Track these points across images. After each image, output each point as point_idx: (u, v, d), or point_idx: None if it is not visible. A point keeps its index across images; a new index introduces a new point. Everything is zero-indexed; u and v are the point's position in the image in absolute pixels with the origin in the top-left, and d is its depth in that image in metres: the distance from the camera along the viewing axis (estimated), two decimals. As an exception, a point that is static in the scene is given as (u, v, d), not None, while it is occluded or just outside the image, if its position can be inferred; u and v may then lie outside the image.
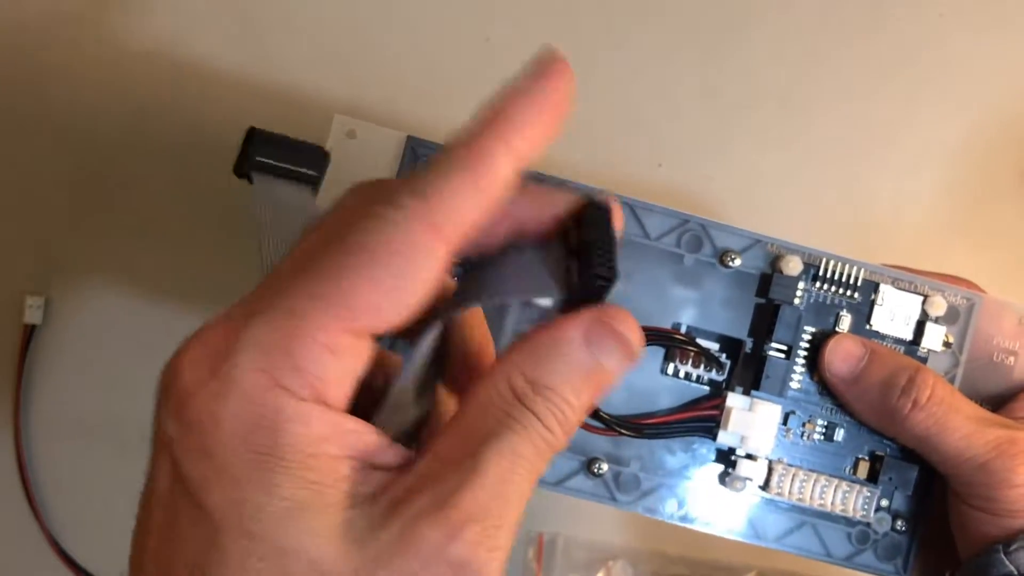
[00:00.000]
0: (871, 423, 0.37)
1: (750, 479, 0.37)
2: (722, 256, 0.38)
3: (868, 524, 0.38)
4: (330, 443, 0.22)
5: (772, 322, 0.37)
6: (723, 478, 0.38)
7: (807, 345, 0.38)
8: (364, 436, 0.23)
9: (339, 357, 0.22)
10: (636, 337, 0.25)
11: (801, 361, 0.38)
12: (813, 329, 0.38)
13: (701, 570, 0.51)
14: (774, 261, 0.38)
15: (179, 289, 0.51)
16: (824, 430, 0.38)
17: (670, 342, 0.37)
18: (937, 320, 0.38)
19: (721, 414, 0.37)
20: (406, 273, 0.22)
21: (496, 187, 0.23)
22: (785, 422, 0.38)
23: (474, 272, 0.26)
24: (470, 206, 0.23)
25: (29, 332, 0.50)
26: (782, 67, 0.51)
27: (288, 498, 0.22)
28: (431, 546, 0.22)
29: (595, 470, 0.38)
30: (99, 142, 0.50)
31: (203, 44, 0.50)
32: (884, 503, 0.38)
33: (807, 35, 0.51)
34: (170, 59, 0.50)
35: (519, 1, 0.51)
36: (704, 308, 0.38)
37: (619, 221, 0.25)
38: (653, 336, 0.36)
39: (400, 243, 0.22)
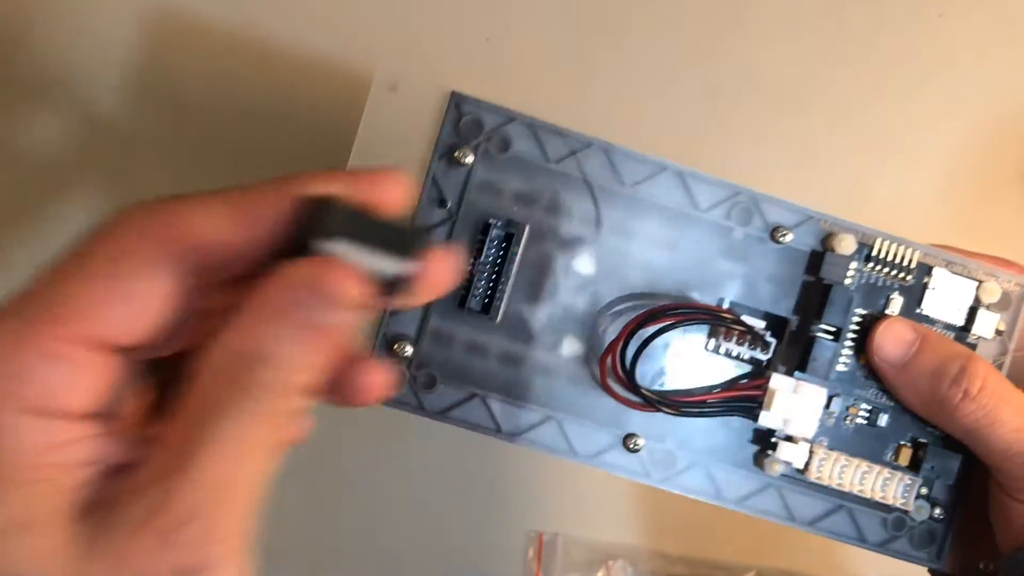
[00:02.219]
0: (918, 411, 0.36)
1: (790, 463, 0.36)
2: (773, 231, 0.36)
3: (906, 512, 0.37)
4: (55, 454, 0.22)
5: (822, 302, 0.36)
6: (759, 458, 0.37)
7: (856, 327, 0.36)
8: (102, 442, 0.22)
9: (71, 366, 0.22)
10: (346, 286, 0.22)
11: (849, 343, 0.36)
12: (863, 311, 0.36)
13: (701, 570, 0.51)
14: (826, 239, 0.37)
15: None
16: (868, 414, 0.37)
17: (717, 320, 0.35)
18: (990, 307, 0.37)
19: (763, 395, 0.36)
20: (132, 281, 0.22)
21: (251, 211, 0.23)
22: (828, 405, 0.36)
23: None
24: (205, 219, 0.22)
25: None
26: (782, 67, 0.51)
27: (5, 517, 0.21)
28: (148, 557, 0.21)
29: (631, 446, 0.37)
30: (99, 140, 0.49)
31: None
32: (924, 491, 0.37)
33: (807, 35, 0.51)
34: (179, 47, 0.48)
35: (519, 1, 0.50)
36: (750, 284, 0.37)
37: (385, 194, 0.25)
38: (699, 314, 0.35)
39: (122, 250, 0.22)
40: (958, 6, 0.51)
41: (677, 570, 0.52)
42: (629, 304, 0.37)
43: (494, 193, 0.36)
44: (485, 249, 0.36)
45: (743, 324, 0.36)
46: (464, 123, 0.35)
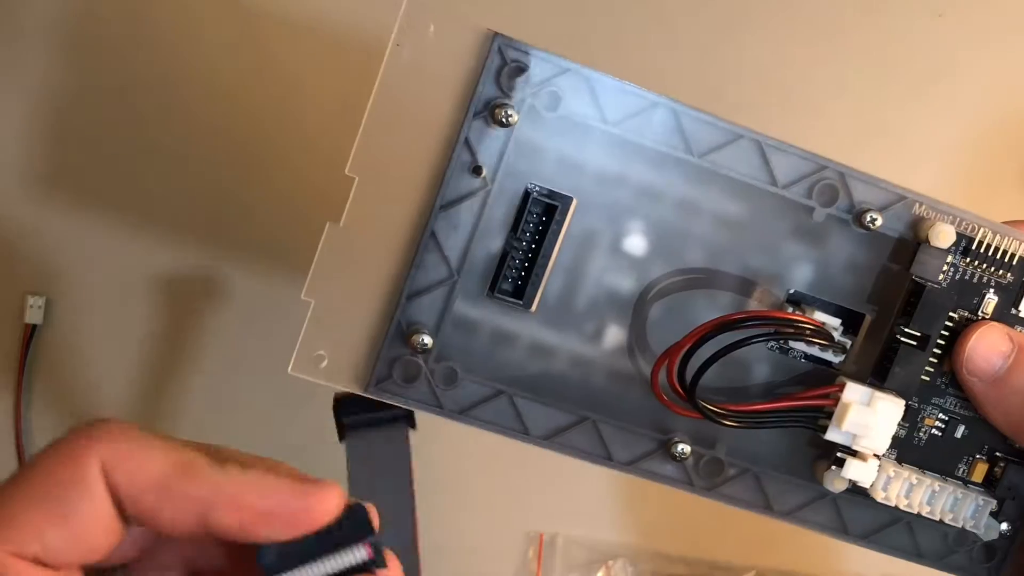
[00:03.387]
0: (1004, 430, 0.32)
1: (856, 481, 0.32)
2: (860, 215, 0.31)
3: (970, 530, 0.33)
4: None
5: (909, 302, 0.31)
6: (818, 470, 0.32)
7: (945, 333, 0.32)
8: None
9: None
10: None
11: (935, 350, 0.32)
12: (953, 313, 0.32)
13: (701, 570, 0.50)
14: (918, 225, 0.31)
15: (180, 289, 0.50)
16: (943, 425, 0.33)
17: (796, 333, 0.30)
18: (1095, 312, 0.32)
19: (832, 404, 0.31)
20: (72, 508, 0.23)
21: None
22: (903, 416, 0.32)
23: None
24: (146, 473, 0.23)
25: (30, 332, 0.50)
26: (782, 67, 0.50)
27: None
28: None
29: (676, 454, 0.32)
30: (100, 141, 0.49)
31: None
32: (993, 509, 0.33)
33: (807, 35, 0.50)
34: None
35: (518, 2, 0.49)
36: (823, 271, 0.32)
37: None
38: (776, 324, 0.30)
39: (68, 477, 0.23)
40: (958, 6, 0.50)
41: (677, 570, 0.51)
42: (683, 280, 0.31)
43: (538, 157, 0.30)
44: (523, 222, 0.30)
45: (828, 337, 0.30)
46: (506, 72, 0.29)
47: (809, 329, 0.30)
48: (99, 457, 0.23)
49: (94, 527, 0.24)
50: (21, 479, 0.24)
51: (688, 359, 0.29)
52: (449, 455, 0.50)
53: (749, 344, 0.30)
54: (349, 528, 0.24)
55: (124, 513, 0.24)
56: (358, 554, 0.24)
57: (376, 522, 0.25)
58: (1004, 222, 0.34)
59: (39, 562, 0.23)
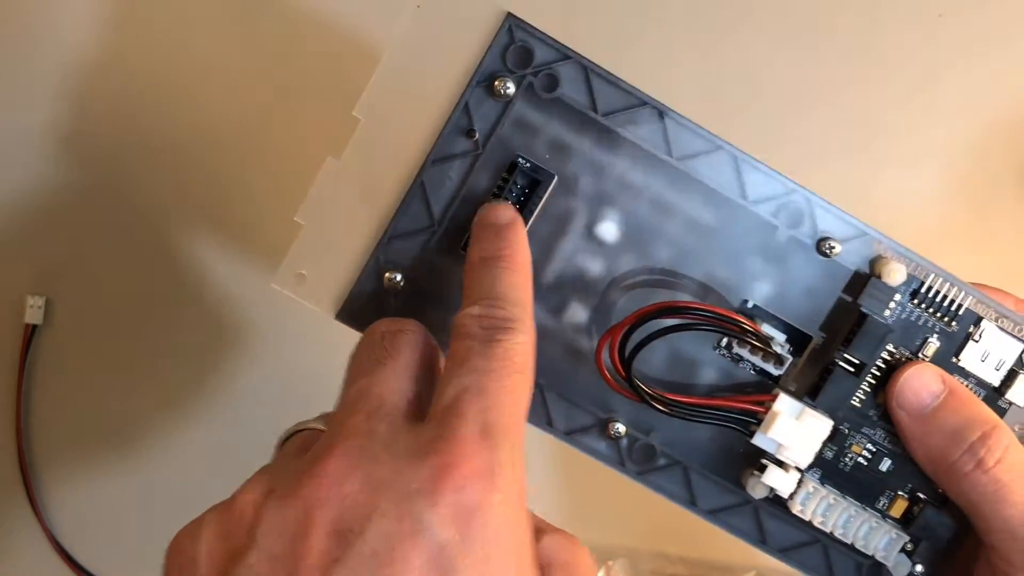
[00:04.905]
0: (924, 467, 0.33)
1: (775, 489, 0.33)
2: (820, 241, 0.33)
3: (883, 564, 0.34)
4: None
5: (852, 330, 0.33)
6: (743, 474, 0.34)
7: (882, 364, 0.33)
8: None
9: None
10: None
11: (870, 380, 0.33)
12: (893, 349, 0.33)
13: (700, 570, 0.50)
14: (875, 262, 0.33)
15: (180, 290, 0.50)
16: (870, 456, 0.34)
17: (739, 334, 0.32)
18: (1032, 374, 0.34)
19: (765, 412, 0.33)
20: None
21: None
22: (832, 437, 0.34)
23: None
24: None
25: (30, 332, 0.50)
26: (781, 67, 0.50)
27: None
28: None
29: (611, 432, 0.34)
30: (99, 141, 0.49)
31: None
32: (908, 547, 0.34)
33: (806, 35, 0.50)
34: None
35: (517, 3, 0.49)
36: (781, 290, 0.34)
37: None
38: (722, 322, 0.32)
39: None
40: (958, 6, 0.50)
41: (677, 570, 0.51)
42: (647, 278, 0.34)
43: (529, 133, 0.32)
44: (505, 190, 0.33)
45: (765, 343, 0.33)
46: (512, 51, 0.32)
47: (749, 331, 0.32)
48: None
49: None
50: None
51: (628, 339, 0.32)
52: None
53: (689, 330, 0.32)
54: None
55: None
56: None
57: None
58: (971, 283, 0.35)
59: None
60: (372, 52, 0.48)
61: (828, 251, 0.33)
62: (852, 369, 0.33)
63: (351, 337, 0.31)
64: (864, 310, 0.33)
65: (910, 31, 0.51)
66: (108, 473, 0.51)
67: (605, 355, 0.32)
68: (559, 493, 0.51)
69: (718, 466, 0.35)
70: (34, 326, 0.50)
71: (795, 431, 0.32)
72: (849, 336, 0.33)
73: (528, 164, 0.32)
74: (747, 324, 0.32)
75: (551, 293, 0.34)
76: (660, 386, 0.34)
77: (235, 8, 0.48)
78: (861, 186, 0.51)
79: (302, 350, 0.51)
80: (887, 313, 0.33)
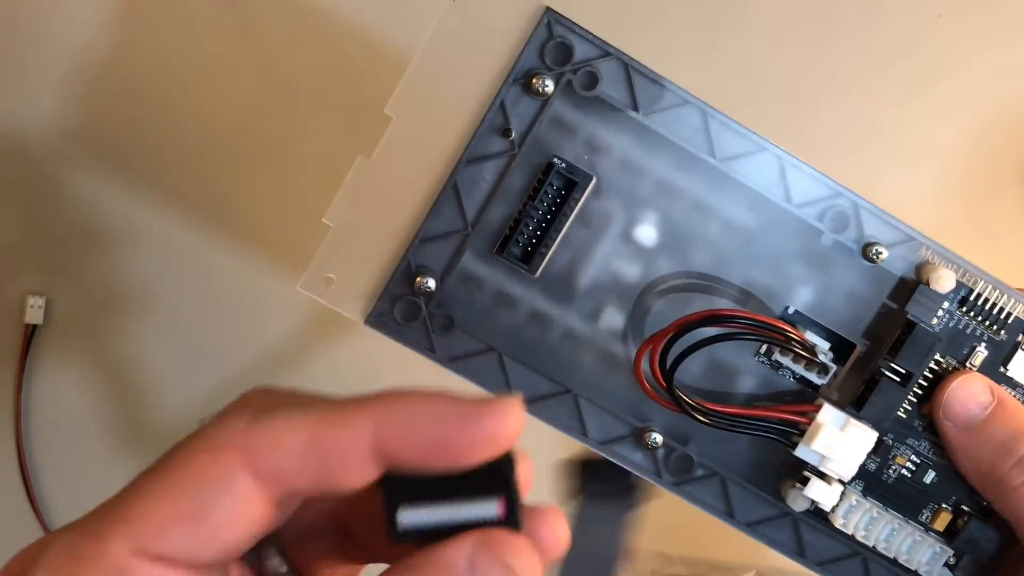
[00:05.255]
0: (971, 480, 0.32)
1: (817, 502, 0.32)
2: (866, 246, 0.32)
3: (925, 577, 0.33)
4: None
5: (899, 339, 0.32)
6: (784, 486, 0.33)
7: (929, 375, 0.32)
8: None
9: None
10: (529, 568, 0.21)
11: (916, 390, 0.32)
12: (940, 358, 0.32)
13: (700, 570, 0.50)
14: (921, 268, 0.32)
15: (180, 290, 0.50)
16: (914, 467, 0.33)
17: (784, 343, 0.31)
18: (1082, 385, 0.33)
19: (808, 423, 0.32)
20: (202, 501, 0.21)
21: (340, 451, 0.22)
22: (875, 448, 0.33)
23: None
24: (286, 446, 0.22)
25: (30, 332, 0.50)
26: (782, 67, 0.50)
27: None
28: None
29: (647, 442, 0.33)
30: (98, 141, 0.49)
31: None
32: (951, 561, 0.33)
33: (806, 35, 0.50)
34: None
35: None
36: (823, 295, 0.32)
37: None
38: (767, 330, 0.31)
39: (199, 469, 0.22)
40: (958, 6, 0.50)
41: (677, 570, 0.50)
42: (685, 283, 0.33)
43: (566, 132, 0.31)
44: (541, 192, 0.31)
45: (811, 351, 0.31)
46: (551, 47, 0.30)
47: (794, 340, 0.31)
48: (239, 446, 0.22)
49: (234, 523, 0.22)
50: (154, 471, 0.22)
51: (670, 348, 0.31)
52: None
53: (733, 340, 0.31)
54: (489, 476, 0.22)
55: (279, 492, 0.22)
56: (489, 509, 0.22)
57: (520, 477, 0.22)
58: (1019, 289, 0.34)
59: (173, 563, 0.22)
60: (388, 52, 0.47)
61: (875, 257, 0.32)
62: (899, 379, 0.32)
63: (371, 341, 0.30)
64: (912, 318, 0.32)
65: (910, 31, 0.50)
66: (108, 472, 0.51)
67: (644, 364, 0.31)
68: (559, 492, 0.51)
69: (757, 477, 0.34)
70: (34, 326, 0.50)
71: (839, 443, 0.31)
72: (896, 345, 0.32)
73: (564, 165, 0.31)
74: (793, 333, 0.31)
75: (586, 298, 0.32)
76: (698, 394, 0.33)
77: (248, 11, 0.48)
78: (861, 186, 0.50)
79: (304, 351, 0.50)
80: (935, 321, 0.32)
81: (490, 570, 0.21)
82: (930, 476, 0.33)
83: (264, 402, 0.23)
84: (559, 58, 0.30)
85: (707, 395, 0.33)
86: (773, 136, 0.49)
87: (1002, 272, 0.51)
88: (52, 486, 0.51)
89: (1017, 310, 0.32)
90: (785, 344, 0.31)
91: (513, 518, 0.22)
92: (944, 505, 0.33)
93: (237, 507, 0.22)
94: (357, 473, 0.22)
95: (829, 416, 0.31)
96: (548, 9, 0.30)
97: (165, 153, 0.49)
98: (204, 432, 0.22)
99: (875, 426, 0.32)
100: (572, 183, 0.31)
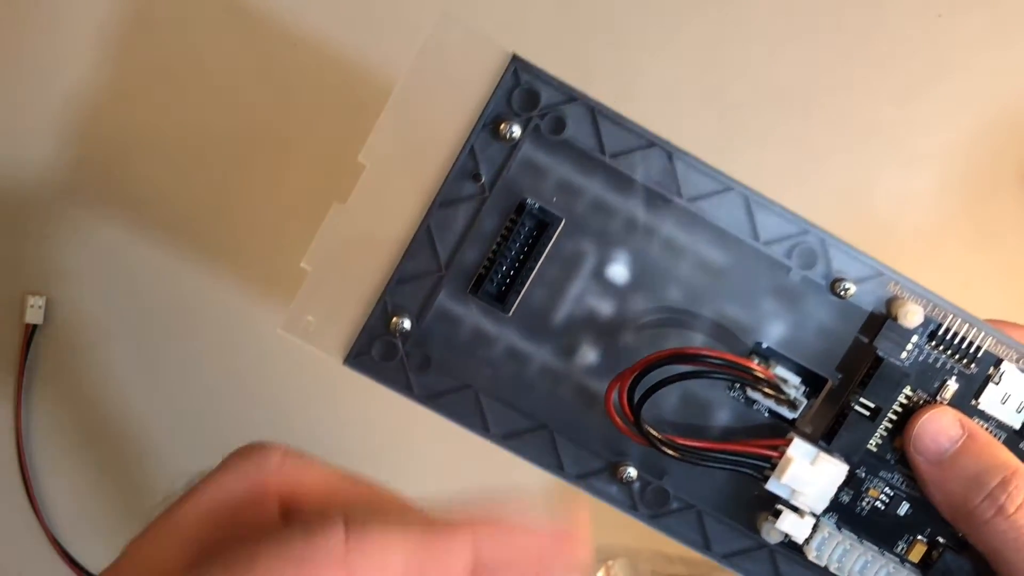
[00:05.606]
0: (944, 513, 0.33)
1: (789, 535, 0.33)
2: (835, 282, 0.32)
3: (902, 609, 0.34)
4: None
5: (869, 374, 0.32)
6: (758, 519, 0.34)
7: (899, 409, 0.33)
8: None
9: None
10: None
11: (887, 424, 0.33)
12: (910, 392, 0.33)
13: (700, 569, 0.49)
14: (891, 303, 0.33)
15: (179, 290, 0.50)
16: (888, 500, 0.33)
17: (752, 382, 0.32)
18: (1055, 417, 0.33)
19: (779, 457, 0.32)
20: None
21: None
22: (848, 481, 0.33)
23: None
24: (400, 568, 0.23)
25: (30, 332, 0.50)
26: (782, 67, 0.50)
27: None
28: None
29: (621, 477, 0.34)
30: (100, 140, 0.49)
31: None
32: (927, 593, 0.34)
33: (807, 35, 0.50)
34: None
35: (519, 2, 0.50)
36: (796, 331, 0.33)
37: None
38: (734, 369, 0.31)
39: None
40: (958, 6, 0.50)
41: (677, 570, 0.50)
42: (658, 319, 0.33)
43: (537, 174, 0.32)
44: (513, 233, 0.32)
45: (777, 389, 0.32)
46: (518, 93, 0.31)
47: (761, 380, 0.31)
48: (342, 564, 0.22)
49: None
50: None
51: (638, 384, 0.31)
52: (448, 455, 0.51)
53: (699, 378, 0.31)
54: None
55: None
56: None
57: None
58: (988, 320, 0.35)
59: None
60: (365, 99, 0.48)
61: (842, 293, 0.32)
62: (868, 413, 0.32)
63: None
64: (880, 353, 0.32)
65: (909, 31, 0.51)
66: (108, 472, 0.51)
67: (615, 399, 0.32)
68: (559, 492, 0.51)
69: (733, 510, 0.34)
70: (34, 326, 0.50)
71: (809, 476, 0.32)
72: (865, 379, 0.32)
73: (535, 207, 0.32)
74: (759, 371, 0.31)
75: (561, 335, 0.33)
76: (673, 428, 0.33)
77: (225, 59, 0.49)
78: (861, 186, 0.51)
79: (297, 358, 0.51)
80: (904, 355, 0.32)
81: None
82: (904, 508, 0.34)
83: (347, 501, 0.24)
84: (526, 104, 0.31)
85: (682, 428, 0.34)
86: (773, 136, 0.51)
87: (1002, 272, 0.52)
88: (52, 486, 0.51)
89: (986, 343, 0.32)
90: (752, 384, 0.31)
91: None
92: (919, 537, 0.34)
93: None
94: None
95: (799, 450, 0.32)
96: (514, 57, 0.31)
97: (170, 155, 0.50)
98: (299, 540, 0.22)
99: (846, 459, 0.32)
100: (543, 224, 0.32)
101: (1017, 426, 0.33)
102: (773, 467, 0.32)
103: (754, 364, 0.32)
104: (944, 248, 0.52)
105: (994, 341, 0.33)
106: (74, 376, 0.51)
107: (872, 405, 0.32)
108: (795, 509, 0.33)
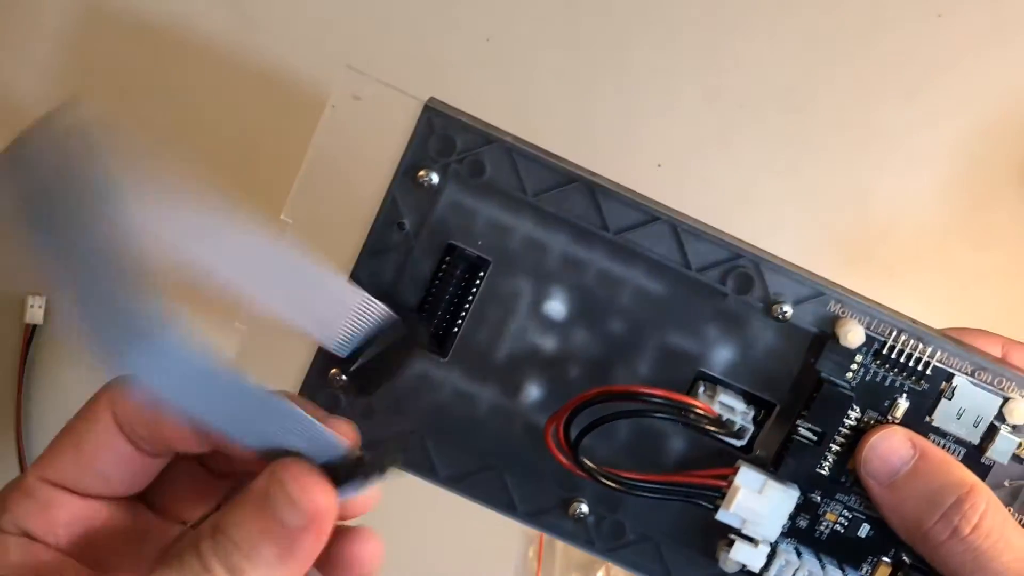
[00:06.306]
0: (900, 535, 0.32)
1: (745, 565, 0.32)
2: (772, 306, 0.32)
3: (872, 632, 0.33)
4: (26, 571, 0.27)
5: (813, 397, 0.31)
6: (716, 548, 0.33)
7: (847, 431, 0.32)
8: (64, 567, 0.28)
9: (39, 502, 0.28)
10: (309, 502, 0.25)
11: (836, 448, 0.32)
12: (858, 414, 0.32)
13: None
14: (834, 321, 0.32)
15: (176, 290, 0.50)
16: (847, 522, 0.33)
17: (687, 421, 0.31)
18: (1015, 429, 0.32)
19: (727, 486, 0.32)
20: (79, 435, 0.29)
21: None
22: (804, 506, 0.32)
23: None
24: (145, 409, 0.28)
25: (30, 331, 0.50)
26: (782, 67, 0.50)
27: None
28: None
29: (573, 512, 0.33)
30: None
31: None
32: (895, 616, 0.33)
33: (807, 35, 0.50)
34: (159, 38, 0.49)
35: (519, 1, 0.49)
36: (744, 355, 0.32)
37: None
38: (667, 407, 0.31)
39: (88, 420, 0.29)
40: (958, 6, 0.50)
41: None
42: (602, 351, 0.33)
43: (465, 216, 0.32)
44: (443, 277, 0.32)
45: (718, 423, 0.31)
46: (434, 140, 0.31)
47: (703, 417, 0.31)
48: (108, 400, 0.29)
49: (103, 451, 0.29)
50: (62, 429, 0.29)
51: (572, 421, 0.31)
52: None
53: (635, 417, 0.31)
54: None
55: (136, 442, 0.29)
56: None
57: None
58: (949, 329, 0.34)
59: (68, 489, 0.28)
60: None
61: (780, 316, 0.32)
62: (814, 438, 0.31)
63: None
64: (823, 375, 0.31)
65: (909, 31, 0.50)
66: None
67: (554, 437, 0.32)
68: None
69: (691, 538, 0.34)
70: (34, 326, 0.50)
71: (759, 505, 0.31)
72: (809, 403, 0.31)
73: (463, 250, 0.32)
74: (697, 407, 0.31)
75: (506, 374, 0.33)
76: (626, 459, 0.33)
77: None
78: (861, 186, 0.51)
79: None
80: (849, 376, 0.32)
81: (279, 496, 0.25)
82: (864, 530, 0.33)
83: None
84: (443, 150, 0.31)
85: (637, 459, 0.33)
86: (774, 136, 0.50)
87: (1002, 273, 0.50)
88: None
89: (937, 357, 0.31)
90: (690, 423, 0.31)
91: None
92: (884, 558, 0.33)
93: (103, 439, 0.29)
94: (186, 442, 0.29)
95: (746, 479, 0.31)
96: (426, 106, 0.31)
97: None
98: (97, 395, 0.29)
99: (796, 485, 0.31)
100: (474, 266, 0.32)
101: (976, 441, 0.32)
102: (723, 496, 0.32)
103: (692, 400, 0.31)
104: (944, 248, 0.51)
105: (945, 354, 0.31)
106: (74, 376, 0.51)
107: (817, 429, 0.31)
108: (749, 538, 0.32)
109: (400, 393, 0.33)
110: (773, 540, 0.32)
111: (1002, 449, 0.31)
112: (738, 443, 0.33)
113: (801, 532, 0.33)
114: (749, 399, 0.33)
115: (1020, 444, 0.31)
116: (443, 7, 0.49)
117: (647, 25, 0.50)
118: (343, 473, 0.26)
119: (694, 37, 0.50)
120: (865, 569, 0.33)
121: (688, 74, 0.50)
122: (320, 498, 0.25)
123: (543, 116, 0.49)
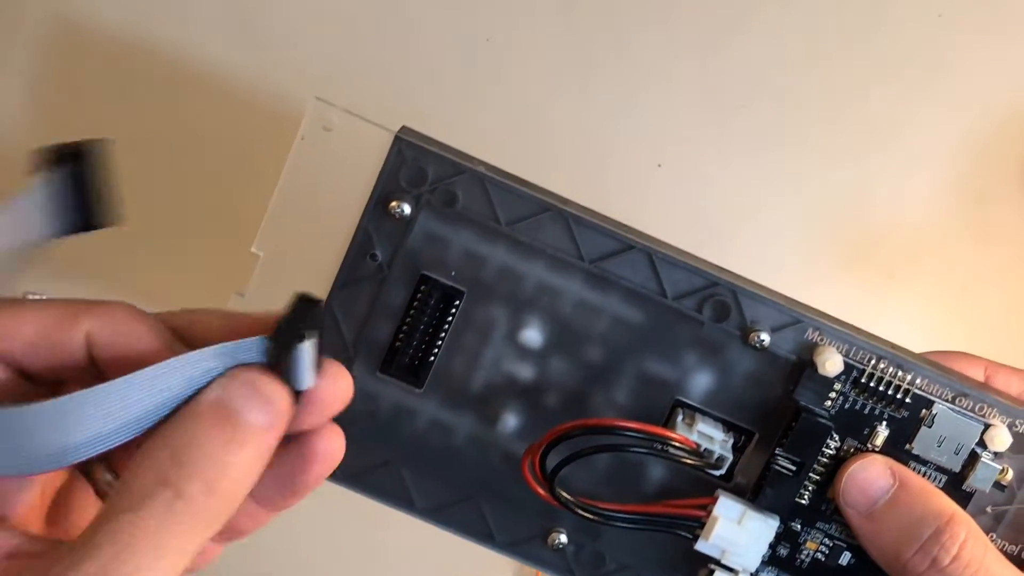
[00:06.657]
0: (881, 564, 0.31)
1: (724, 595, 0.32)
2: (749, 334, 0.31)
3: (855, 660, 0.33)
4: None
5: (791, 426, 0.31)
6: (700, 575, 0.33)
7: (827, 460, 0.31)
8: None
9: None
10: (272, 392, 0.25)
11: (815, 477, 0.32)
12: (837, 443, 0.31)
13: None
14: (812, 348, 0.31)
15: (178, 290, 0.50)
16: (828, 551, 0.32)
17: (666, 455, 0.31)
18: (996, 456, 0.31)
19: (706, 516, 0.31)
20: None
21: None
22: (785, 535, 0.32)
23: None
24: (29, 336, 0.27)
25: None
26: (782, 67, 0.50)
27: None
28: None
29: (552, 543, 0.33)
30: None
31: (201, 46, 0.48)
32: (880, 642, 0.32)
33: (807, 35, 0.50)
34: (157, 56, 0.48)
35: (519, 0, 0.49)
36: (723, 383, 0.32)
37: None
38: (644, 441, 0.30)
39: None
40: (958, 6, 0.50)
41: None
42: (580, 379, 0.33)
43: (439, 246, 0.32)
44: (418, 307, 0.32)
45: (698, 455, 0.31)
46: (406, 171, 0.31)
47: (672, 447, 0.31)
48: None
49: None
50: None
51: (548, 453, 0.31)
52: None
53: (613, 451, 0.31)
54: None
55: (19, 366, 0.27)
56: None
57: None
58: (932, 352, 0.33)
59: None
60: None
61: (757, 344, 0.31)
62: (793, 468, 0.31)
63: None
64: (801, 404, 0.31)
65: (910, 31, 0.50)
66: None
67: (531, 470, 0.31)
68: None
69: (672, 568, 0.33)
70: None
71: (738, 535, 0.31)
72: (787, 432, 0.31)
73: (436, 280, 0.32)
74: (675, 439, 0.31)
75: (483, 403, 0.33)
76: (605, 488, 0.33)
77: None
78: (861, 186, 0.50)
79: None
80: (828, 404, 0.31)
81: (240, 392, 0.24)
82: (845, 558, 0.32)
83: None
84: (414, 181, 0.31)
85: (618, 489, 0.33)
86: (774, 137, 0.50)
87: (1002, 273, 0.50)
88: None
89: (916, 384, 0.31)
90: (671, 456, 0.31)
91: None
92: (865, 586, 0.32)
93: None
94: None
95: (725, 509, 0.31)
96: (398, 137, 0.31)
97: (164, 155, 0.50)
98: None
99: (776, 514, 0.31)
100: (448, 296, 0.32)
101: (957, 468, 0.31)
102: (703, 526, 0.32)
103: (670, 433, 0.31)
104: (944, 248, 0.51)
105: (925, 381, 0.31)
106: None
107: (796, 459, 0.31)
108: (729, 568, 0.32)
109: (376, 423, 0.33)
110: (753, 570, 0.31)
111: (983, 476, 0.31)
112: (716, 473, 0.32)
113: (782, 561, 0.33)
114: (728, 427, 0.32)
115: (1001, 471, 0.31)
116: (441, 8, 0.49)
117: (646, 25, 0.49)
118: (274, 354, 0.25)
119: (694, 36, 0.49)
120: (847, 597, 0.33)
121: (688, 74, 0.50)
122: (277, 390, 0.25)
123: (543, 116, 0.49)
